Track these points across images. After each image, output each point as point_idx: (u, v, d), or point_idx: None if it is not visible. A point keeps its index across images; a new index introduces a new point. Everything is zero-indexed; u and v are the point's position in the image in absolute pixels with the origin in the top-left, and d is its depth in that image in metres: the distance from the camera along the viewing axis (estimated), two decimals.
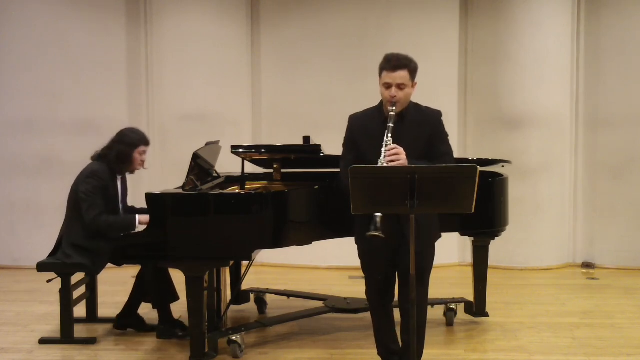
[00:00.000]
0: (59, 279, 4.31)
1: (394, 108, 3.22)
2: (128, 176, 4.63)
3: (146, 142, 4.47)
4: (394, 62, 3.24)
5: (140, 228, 4.19)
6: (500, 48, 6.61)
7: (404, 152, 3.13)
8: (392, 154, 3.11)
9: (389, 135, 3.16)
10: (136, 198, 4.83)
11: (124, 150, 4.37)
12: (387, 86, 3.26)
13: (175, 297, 4.52)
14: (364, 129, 3.35)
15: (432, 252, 3.44)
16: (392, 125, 3.18)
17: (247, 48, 6.90)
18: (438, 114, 3.39)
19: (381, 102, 3.38)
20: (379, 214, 3.01)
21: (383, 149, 3.14)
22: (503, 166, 4.80)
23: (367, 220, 3.19)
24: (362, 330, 4.49)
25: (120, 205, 4.54)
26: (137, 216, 4.26)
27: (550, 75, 6.56)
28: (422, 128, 3.31)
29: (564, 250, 6.82)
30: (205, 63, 6.65)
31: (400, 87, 3.24)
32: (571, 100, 6.75)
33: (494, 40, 6.65)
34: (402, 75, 3.23)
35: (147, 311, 4.71)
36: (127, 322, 4.61)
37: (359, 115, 3.45)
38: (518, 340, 4.40)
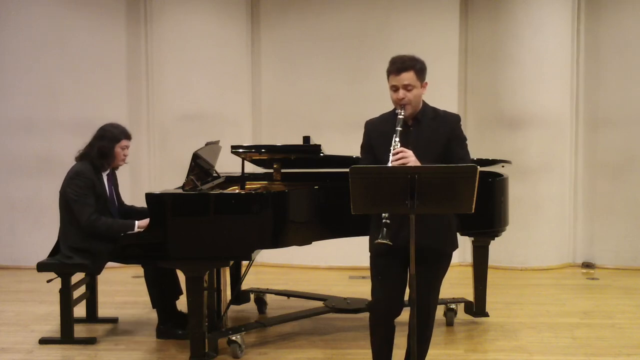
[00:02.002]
0: (59, 279, 4.32)
1: (403, 111, 3.17)
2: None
3: (127, 136, 4.49)
4: (398, 65, 3.19)
5: None
6: (500, 48, 6.61)
7: (413, 155, 3.05)
8: (398, 157, 3.03)
9: (397, 139, 3.09)
10: (136, 198, 4.83)
11: (105, 146, 4.38)
12: (394, 89, 3.21)
13: (179, 293, 4.49)
14: (380, 134, 3.27)
15: (447, 263, 3.35)
16: (400, 129, 3.11)
17: (247, 48, 6.91)
18: (456, 117, 3.33)
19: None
20: (387, 220, 2.98)
21: (390, 154, 3.07)
22: (503, 166, 4.80)
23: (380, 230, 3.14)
24: (362, 330, 4.49)
25: (115, 203, 4.53)
26: (137, 222, 4.26)
27: (550, 75, 6.56)
28: (439, 132, 3.24)
29: (564, 250, 6.82)
30: (205, 63, 6.65)
31: (407, 88, 3.18)
32: (571, 100, 6.75)
33: (494, 40, 6.65)
34: (407, 76, 3.18)
35: (147, 311, 4.71)
36: (171, 326, 4.47)
37: (375, 120, 3.38)
38: (518, 340, 4.40)
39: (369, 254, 3.39)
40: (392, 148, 3.09)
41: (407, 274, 3.20)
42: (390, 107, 3.43)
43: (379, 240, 2.97)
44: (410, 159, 3.04)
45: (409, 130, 3.20)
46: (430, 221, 3.17)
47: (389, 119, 3.31)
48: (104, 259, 4.27)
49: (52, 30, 6.72)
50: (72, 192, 4.28)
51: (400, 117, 3.15)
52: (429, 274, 3.23)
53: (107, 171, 4.49)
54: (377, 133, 3.30)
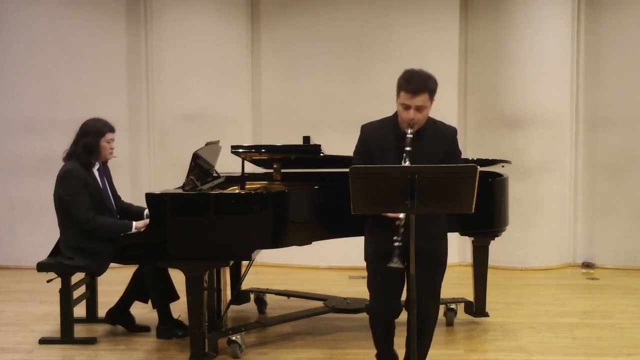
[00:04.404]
0: (59, 279, 4.32)
1: (412, 130, 3.14)
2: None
3: (111, 129, 4.47)
4: (414, 86, 3.13)
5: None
6: (500, 48, 6.61)
7: None
8: None
9: (407, 159, 3.06)
10: (136, 198, 4.83)
11: (90, 142, 4.37)
12: (406, 107, 3.16)
13: (175, 297, 4.52)
14: (378, 141, 3.27)
15: (443, 269, 3.36)
16: (410, 148, 3.09)
17: (247, 48, 6.90)
18: (453, 131, 3.33)
19: (396, 113, 3.29)
20: (398, 244, 2.97)
21: None
22: (503, 166, 4.80)
23: (381, 222, 3.14)
24: (362, 330, 4.49)
25: (111, 197, 4.53)
26: (134, 223, 4.25)
27: (550, 75, 6.56)
28: (437, 146, 3.25)
29: (564, 250, 6.81)
30: (205, 63, 6.64)
31: (419, 109, 3.15)
32: (571, 100, 6.74)
33: (494, 40, 6.65)
34: (421, 99, 3.14)
35: (146, 311, 4.71)
36: (118, 319, 4.61)
37: (372, 125, 3.35)
38: (518, 340, 4.40)
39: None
40: None
41: (404, 276, 3.22)
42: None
43: (392, 265, 2.95)
44: None
45: (411, 149, 3.14)
46: (427, 225, 3.17)
47: (387, 127, 3.29)
48: (105, 259, 4.27)
49: (52, 30, 6.72)
50: (64, 193, 4.28)
51: (409, 136, 3.12)
52: (426, 275, 3.22)
53: (97, 166, 4.48)
54: (375, 141, 3.28)
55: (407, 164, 3.05)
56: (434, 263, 3.28)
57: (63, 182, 4.32)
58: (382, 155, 3.22)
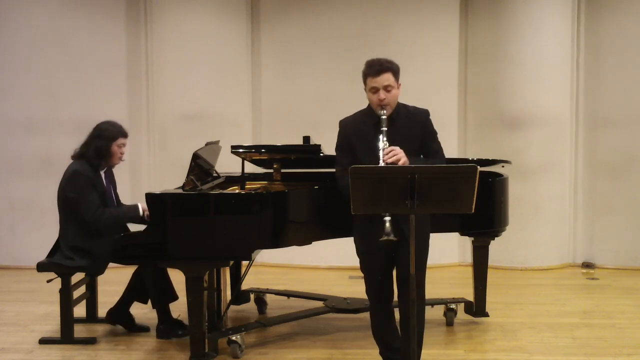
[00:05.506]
0: (59, 279, 4.32)
1: (385, 112, 3.27)
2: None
3: (124, 134, 4.48)
4: (377, 67, 3.30)
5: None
6: (500, 48, 6.61)
7: (403, 152, 3.17)
8: (392, 155, 3.13)
9: (384, 139, 3.19)
10: (136, 198, 4.83)
11: (102, 145, 4.37)
12: (374, 90, 3.31)
13: (174, 297, 4.52)
14: (358, 133, 3.37)
15: (427, 251, 3.44)
16: (386, 128, 3.22)
17: (247, 48, 6.91)
18: (426, 112, 3.44)
19: (370, 105, 3.41)
20: (388, 218, 3.01)
21: (380, 153, 3.16)
22: (503, 166, 4.80)
23: (367, 220, 3.19)
24: (362, 330, 4.50)
25: (114, 202, 4.55)
26: (139, 204, 4.30)
27: (550, 75, 6.56)
28: (413, 128, 3.36)
29: (564, 250, 6.82)
30: (206, 63, 6.65)
31: (387, 89, 3.29)
32: (571, 100, 6.74)
33: (494, 40, 6.65)
34: (387, 77, 3.29)
35: (146, 311, 4.71)
36: (118, 319, 4.62)
37: (350, 119, 3.48)
38: (518, 340, 4.40)
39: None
40: (381, 148, 3.18)
41: (391, 269, 3.40)
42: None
43: (384, 238, 2.99)
44: (402, 155, 3.15)
45: (387, 129, 3.28)
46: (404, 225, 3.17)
47: (364, 118, 3.40)
48: (105, 259, 4.27)
49: (52, 30, 6.72)
50: (73, 192, 4.28)
51: (384, 117, 3.25)
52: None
53: (104, 169, 4.49)
54: (354, 133, 3.40)
55: (385, 142, 3.17)
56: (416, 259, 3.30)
57: (71, 181, 4.32)
58: (366, 146, 3.31)
